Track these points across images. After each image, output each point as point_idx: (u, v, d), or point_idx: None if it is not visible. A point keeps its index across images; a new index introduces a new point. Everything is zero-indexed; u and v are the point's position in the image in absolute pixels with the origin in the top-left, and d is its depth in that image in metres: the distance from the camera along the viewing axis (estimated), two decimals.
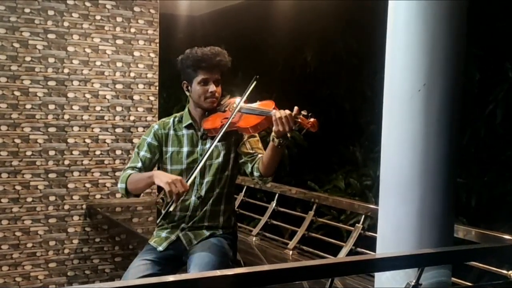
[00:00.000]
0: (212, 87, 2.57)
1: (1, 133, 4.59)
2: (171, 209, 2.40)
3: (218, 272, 1.65)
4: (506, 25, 5.10)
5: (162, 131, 2.65)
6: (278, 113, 2.35)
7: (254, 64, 6.30)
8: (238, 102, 2.55)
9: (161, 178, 2.39)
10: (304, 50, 6.85)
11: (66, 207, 4.85)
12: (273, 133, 2.39)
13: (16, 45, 4.62)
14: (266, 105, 2.50)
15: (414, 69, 1.99)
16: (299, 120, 2.35)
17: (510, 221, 4.59)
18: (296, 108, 2.37)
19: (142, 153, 2.62)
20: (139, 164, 2.59)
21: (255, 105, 2.55)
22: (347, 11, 6.23)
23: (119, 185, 2.59)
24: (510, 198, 5.02)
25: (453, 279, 2.40)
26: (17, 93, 4.64)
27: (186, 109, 2.69)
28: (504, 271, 2.44)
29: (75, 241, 4.90)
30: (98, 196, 4.98)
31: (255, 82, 2.56)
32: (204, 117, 2.63)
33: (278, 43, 6.87)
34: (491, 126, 5.14)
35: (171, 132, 2.65)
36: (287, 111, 2.36)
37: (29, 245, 4.73)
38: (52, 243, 4.81)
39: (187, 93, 2.65)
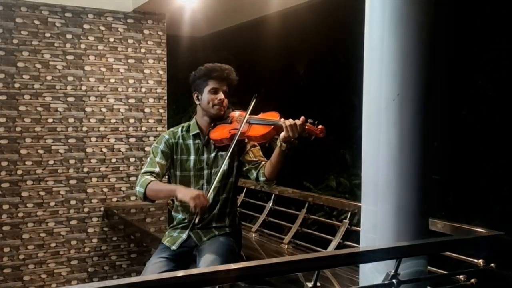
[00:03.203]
0: (220, 95, 2.58)
1: (26, 144, 4.63)
2: (196, 221, 2.42)
3: (221, 267, 1.67)
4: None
5: (172, 140, 2.64)
6: (287, 122, 2.38)
7: (254, 80, 6.32)
8: (245, 114, 2.55)
9: (185, 193, 2.40)
10: (297, 65, 6.88)
11: (86, 209, 4.88)
12: (280, 139, 2.41)
13: (38, 66, 4.66)
14: (272, 116, 2.51)
15: (389, 80, 2.00)
16: (308, 127, 2.38)
17: (482, 215, 4.59)
18: (302, 117, 2.40)
19: (157, 159, 2.60)
20: (157, 169, 2.56)
21: (261, 116, 2.56)
22: (333, 28, 6.25)
23: (137, 188, 2.51)
24: (483, 195, 5.02)
25: (430, 268, 2.40)
26: (39, 109, 4.68)
27: (194, 120, 2.68)
28: (475, 260, 2.44)
29: (95, 240, 4.93)
30: (114, 199, 5.00)
31: (255, 100, 2.57)
32: (210, 128, 2.62)
33: (274, 60, 6.89)
34: (469, 129, 5.15)
35: (180, 141, 2.65)
36: (296, 120, 2.38)
37: (53, 245, 4.76)
38: (73, 242, 4.84)
39: (197, 102, 2.64)
